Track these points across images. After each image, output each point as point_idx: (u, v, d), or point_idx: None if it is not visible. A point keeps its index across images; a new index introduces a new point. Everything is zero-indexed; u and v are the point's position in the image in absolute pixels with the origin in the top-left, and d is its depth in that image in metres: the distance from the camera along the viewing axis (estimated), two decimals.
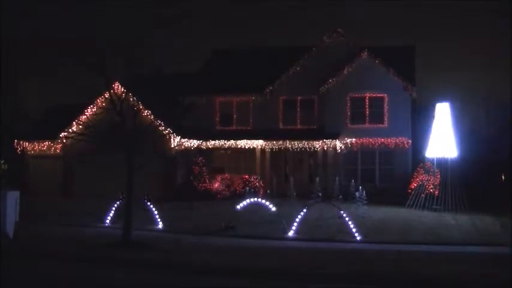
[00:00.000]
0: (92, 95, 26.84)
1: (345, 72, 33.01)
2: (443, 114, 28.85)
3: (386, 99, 32.81)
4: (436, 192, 27.36)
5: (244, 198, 26.70)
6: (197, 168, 32.19)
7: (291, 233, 18.72)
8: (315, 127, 33.85)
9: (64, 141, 32.72)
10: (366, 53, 32.92)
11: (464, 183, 26.96)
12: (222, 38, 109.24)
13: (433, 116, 29.23)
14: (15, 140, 35.69)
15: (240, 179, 31.99)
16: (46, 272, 12.90)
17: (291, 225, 19.07)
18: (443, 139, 28.32)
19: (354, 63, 33.04)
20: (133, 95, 20.66)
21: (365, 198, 25.66)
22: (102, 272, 13.06)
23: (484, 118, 45.28)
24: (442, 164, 27.81)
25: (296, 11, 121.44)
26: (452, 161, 27.84)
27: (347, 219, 18.94)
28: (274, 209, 24.07)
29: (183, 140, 32.70)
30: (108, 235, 18.31)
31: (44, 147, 35.25)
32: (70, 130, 30.82)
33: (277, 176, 33.38)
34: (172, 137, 31.71)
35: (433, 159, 28.41)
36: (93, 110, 30.39)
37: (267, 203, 24.26)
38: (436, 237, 18.61)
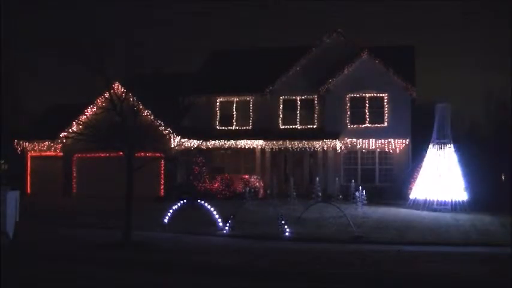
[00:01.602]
0: (92, 95, 26.90)
1: (345, 72, 33.03)
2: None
3: (386, 99, 32.82)
4: None
5: (244, 198, 26.73)
6: (197, 168, 32.22)
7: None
8: (315, 127, 33.88)
9: (64, 141, 32.74)
10: (365, 53, 32.94)
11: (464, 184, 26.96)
12: (222, 38, 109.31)
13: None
14: (15, 140, 35.70)
15: (240, 179, 32.00)
16: (46, 272, 12.90)
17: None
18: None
19: (354, 63, 33.07)
20: (133, 95, 20.66)
21: (365, 198, 25.68)
22: (102, 272, 13.06)
23: (484, 118, 45.36)
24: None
25: (296, 11, 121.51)
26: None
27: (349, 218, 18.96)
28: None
29: (183, 140, 32.71)
30: (108, 235, 18.30)
31: (44, 147, 35.28)
32: (70, 130, 30.84)
33: (277, 176, 33.41)
34: (172, 137, 31.71)
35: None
36: (93, 110, 30.41)
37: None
38: (436, 237, 18.59)
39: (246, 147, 33.01)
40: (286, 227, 18.88)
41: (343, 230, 19.28)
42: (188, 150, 32.99)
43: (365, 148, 32.89)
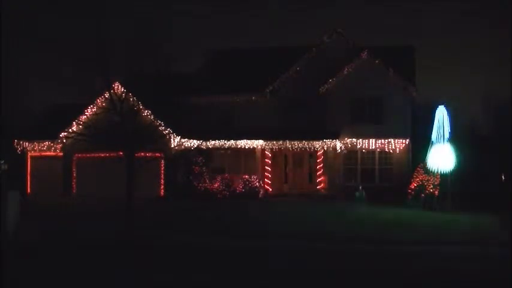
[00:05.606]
0: (92, 95, 26.94)
1: (345, 72, 32.98)
2: None
3: (386, 100, 32.77)
4: (436, 192, 27.42)
5: (244, 198, 26.81)
6: (197, 168, 32.20)
7: None
8: (315, 127, 33.82)
9: (64, 141, 32.73)
10: (365, 53, 32.90)
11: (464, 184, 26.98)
12: (222, 38, 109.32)
13: None
14: (15, 140, 35.67)
15: (240, 179, 31.99)
16: (46, 272, 12.93)
17: None
18: None
19: (354, 63, 33.01)
20: (134, 95, 20.73)
21: (365, 198, 25.72)
22: (102, 271, 13.09)
23: (484, 118, 45.35)
24: None
25: (296, 11, 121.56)
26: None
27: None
28: None
29: (183, 140, 32.71)
30: (109, 233, 18.36)
31: (44, 147, 35.23)
32: (70, 130, 30.84)
33: (277, 176, 33.40)
34: (172, 137, 31.73)
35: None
36: (93, 110, 30.39)
37: None
38: (436, 237, 18.64)
39: (246, 147, 32.99)
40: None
41: (342, 230, 19.32)
42: (188, 150, 32.97)
43: (365, 148, 32.87)
